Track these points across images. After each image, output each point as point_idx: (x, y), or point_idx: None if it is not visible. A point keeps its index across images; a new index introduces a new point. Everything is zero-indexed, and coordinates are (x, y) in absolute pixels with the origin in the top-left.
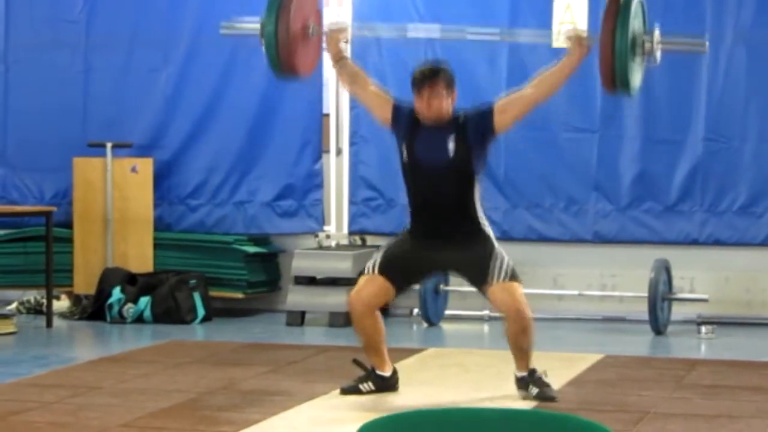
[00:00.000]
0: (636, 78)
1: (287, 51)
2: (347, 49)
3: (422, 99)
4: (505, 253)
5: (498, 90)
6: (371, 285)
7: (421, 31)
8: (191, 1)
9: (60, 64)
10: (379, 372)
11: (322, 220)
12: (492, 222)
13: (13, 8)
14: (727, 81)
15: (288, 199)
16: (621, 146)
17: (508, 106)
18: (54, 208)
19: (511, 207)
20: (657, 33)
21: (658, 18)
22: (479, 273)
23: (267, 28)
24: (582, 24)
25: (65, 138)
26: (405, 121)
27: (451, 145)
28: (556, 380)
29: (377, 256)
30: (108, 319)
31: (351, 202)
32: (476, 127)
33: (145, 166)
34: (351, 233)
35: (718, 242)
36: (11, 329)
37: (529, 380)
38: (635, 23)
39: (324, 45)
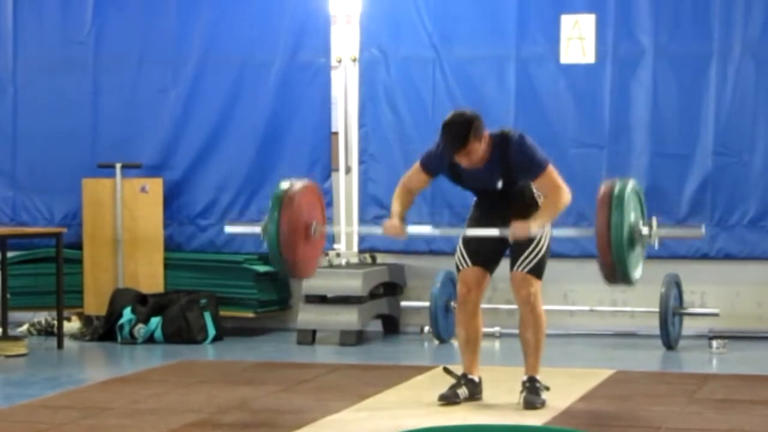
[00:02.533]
0: (636, 269)
1: (289, 251)
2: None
3: (460, 158)
4: (546, 249)
5: (506, 105)
6: (472, 275)
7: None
8: (199, 21)
9: (69, 86)
10: (470, 376)
11: (332, 239)
12: None
13: (21, 30)
14: (736, 94)
15: None
16: (630, 161)
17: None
18: (64, 229)
19: None
20: (654, 223)
21: (668, 32)
22: (518, 251)
23: (269, 228)
24: (589, 41)
25: (74, 159)
26: (443, 167)
27: (498, 181)
28: (567, 396)
29: (462, 250)
30: (119, 339)
31: (360, 220)
32: (521, 167)
33: (155, 186)
34: (361, 251)
35: (728, 256)
36: (22, 351)
37: (526, 385)
38: (631, 216)
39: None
